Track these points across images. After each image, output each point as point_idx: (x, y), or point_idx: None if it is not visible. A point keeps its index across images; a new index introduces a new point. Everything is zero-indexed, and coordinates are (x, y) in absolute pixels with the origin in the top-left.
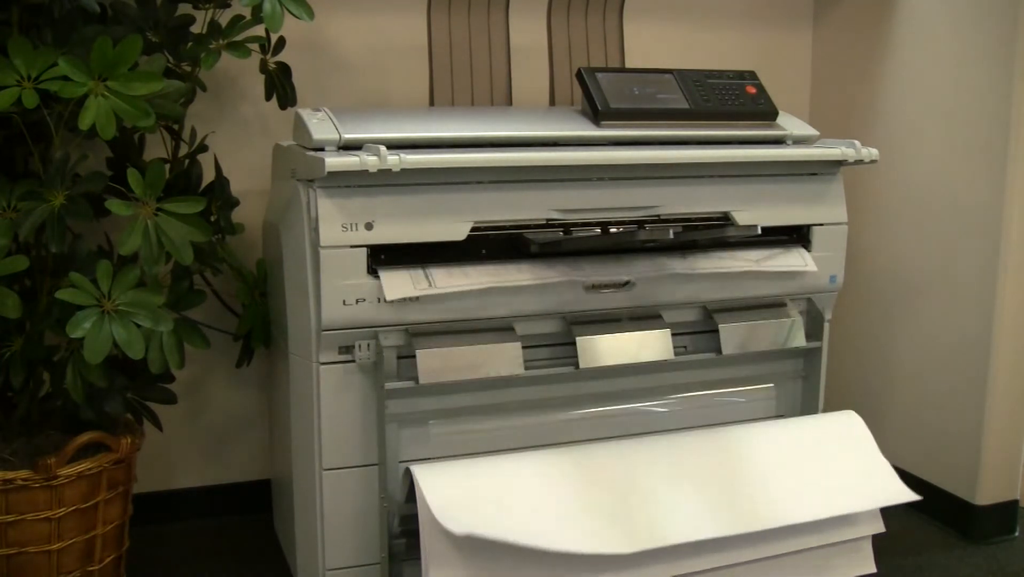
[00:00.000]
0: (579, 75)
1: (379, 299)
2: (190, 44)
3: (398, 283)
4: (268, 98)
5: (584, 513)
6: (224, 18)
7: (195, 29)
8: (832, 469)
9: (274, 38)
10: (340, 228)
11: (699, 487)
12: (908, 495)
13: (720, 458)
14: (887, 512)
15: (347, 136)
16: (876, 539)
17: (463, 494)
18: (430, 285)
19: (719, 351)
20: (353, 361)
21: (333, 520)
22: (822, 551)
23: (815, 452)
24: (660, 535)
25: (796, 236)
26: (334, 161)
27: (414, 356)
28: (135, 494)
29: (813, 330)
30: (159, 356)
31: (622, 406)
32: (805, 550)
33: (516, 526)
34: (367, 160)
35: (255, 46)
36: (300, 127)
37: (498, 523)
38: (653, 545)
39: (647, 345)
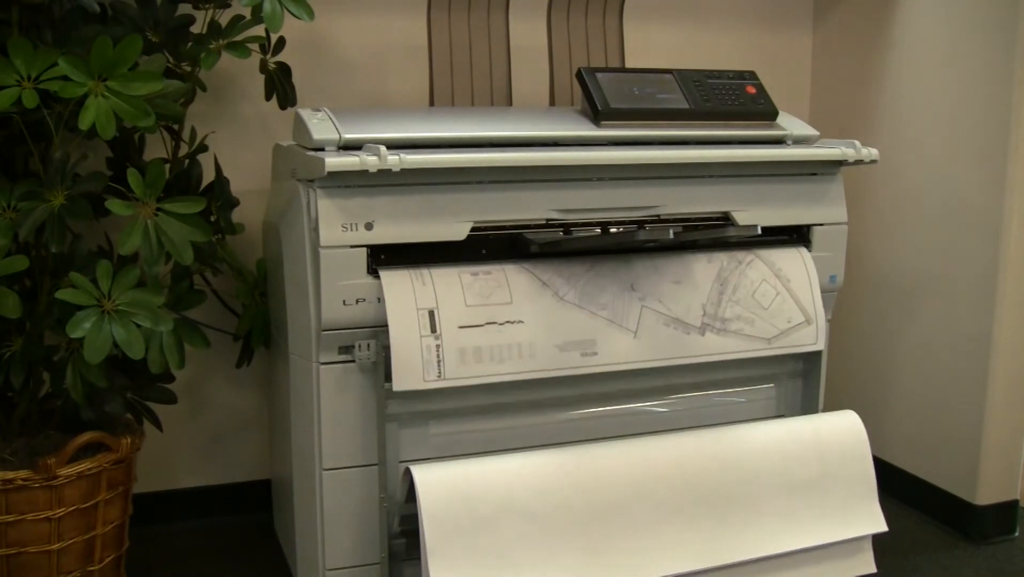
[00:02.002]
0: (579, 75)
1: (379, 299)
2: (190, 44)
3: (407, 372)
4: (268, 98)
5: (576, 527)
6: (224, 18)
7: (195, 29)
8: (827, 485)
9: (274, 38)
10: (340, 228)
11: (690, 509)
12: (876, 525)
13: (716, 466)
14: (887, 512)
15: (347, 136)
16: (876, 539)
17: (462, 494)
18: (439, 375)
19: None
20: (353, 361)
21: (333, 520)
22: (822, 551)
23: (813, 463)
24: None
25: (796, 236)
26: (334, 161)
27: None
28: (135, 494)
29: None
30: (159, 356)
31: (622, 406)
32: (804, 550)
33: (511, 532)
34: (367, 160)
35: (255, 46)
36: (300, 127)
37: (493, 526)
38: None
39: None
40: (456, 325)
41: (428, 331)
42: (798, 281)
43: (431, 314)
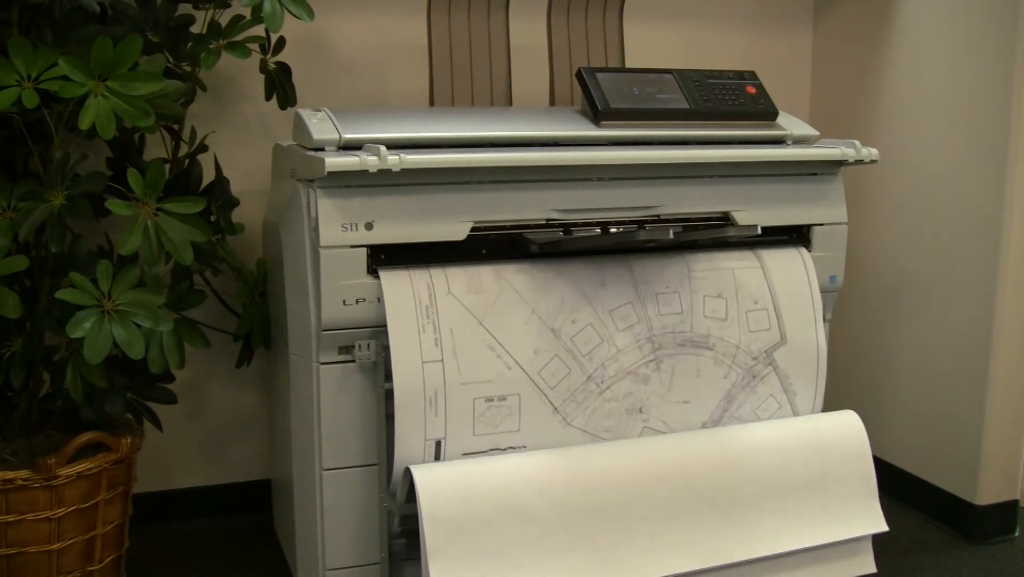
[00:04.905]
0: (579, 75)
1: (379, 299)
2: (190, 44)
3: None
4: (268, 98)
5: (576, 527)
6: (224, 18)
7: (195, 29)
8: (827, 485)
9: (274, 38)
10: (340, 228)
11: (690, 509)
12: (876, 525)
13: (716, 466)
14: (887, 512)
15: (347, 136)
16: (876, 539)
17: (462, 495)
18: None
19: None
20: (353, 361)
21: (333, 520)
22: (822, 551)
23: (813, 463)
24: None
25: (796, 236)
26: (334, 161)
27: None
28: (135, 494)
29: None
30: (159, 356)
31: None
32: (804, 550)
33: (512, 532)
34: (367, 160)
35: (255, 46)
36: (300, 127)
37: (492, 526)
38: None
39: None
40: (460, 452)
41: (432, 458)
42: (804, 395)
43: (438, 445)
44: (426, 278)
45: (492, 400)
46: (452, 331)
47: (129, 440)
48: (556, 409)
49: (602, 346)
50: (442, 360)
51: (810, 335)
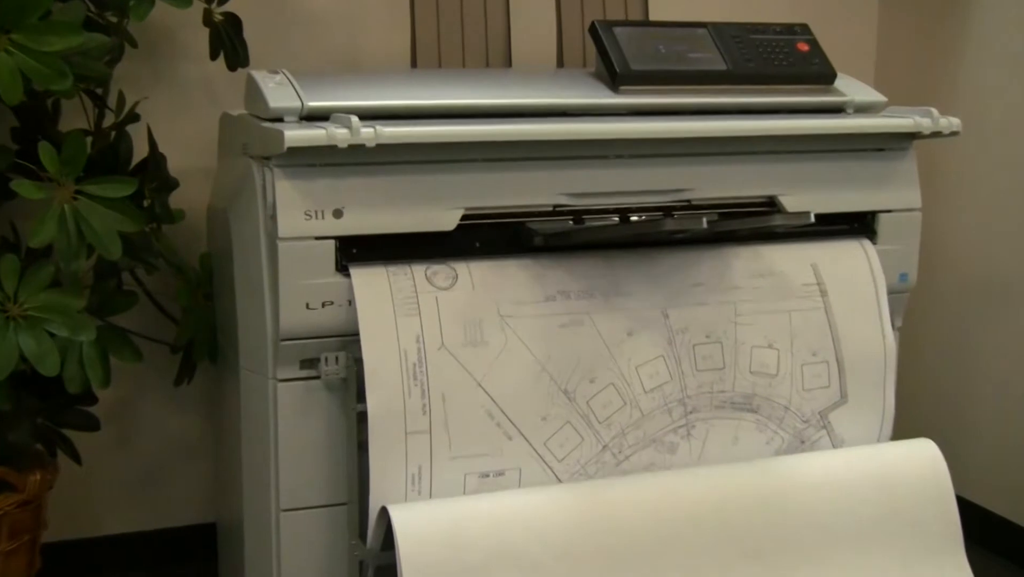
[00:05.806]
0: (593, 30)
1: (349, 301)
2: None
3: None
4: (214, 57)
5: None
6: None
7: None
8: (900, 531)
9: None
10: (303, 216)
11: (729, 559)
12: None
13: (762, 506)
14: (974, 563)
15: (311, 104)
16: None
17: (449, 539)
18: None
19: None
20: (318, 377)
21: (292, 571)
22: None
23: (882, 503)
24: None
25: (858, 225)
26: (295, 135)
27: None
28: (45, 544)
29: None
30: (78, 372)
31: None
32: None
33: None
34: (335, 133)
35: None
36: (253, 93)
37: None
38: None
39: None
40: None
41: None
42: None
43: None
44: (415, 329)
45: (487, 476)
46: (444, 396)
47: (38, 477)
48: (562, 484)
49: (624, 410)
50: (430, 431)
51: (877, 392)
